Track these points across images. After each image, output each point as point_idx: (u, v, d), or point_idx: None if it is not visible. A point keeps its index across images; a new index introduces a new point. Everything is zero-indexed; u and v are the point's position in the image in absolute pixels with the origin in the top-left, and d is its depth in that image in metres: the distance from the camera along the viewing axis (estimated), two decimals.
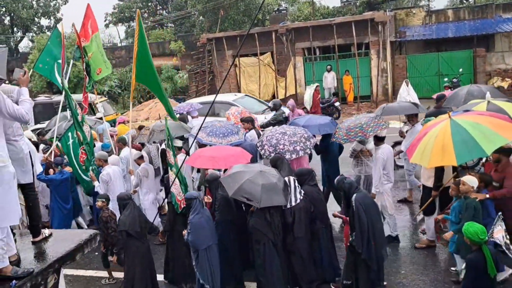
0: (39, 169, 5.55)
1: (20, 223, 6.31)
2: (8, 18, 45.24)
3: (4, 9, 43.86)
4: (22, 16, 43.65)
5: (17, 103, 4.80)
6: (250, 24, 33.06)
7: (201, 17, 38.14)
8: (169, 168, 8.43)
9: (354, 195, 6.92)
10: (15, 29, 46.03)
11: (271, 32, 25.77)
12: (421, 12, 27.62)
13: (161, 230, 9.46)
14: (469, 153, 6.54)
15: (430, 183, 8.21)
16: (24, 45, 50.95)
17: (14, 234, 5.01)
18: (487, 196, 6.97)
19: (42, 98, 23.01)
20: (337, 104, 21.35)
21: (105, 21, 52.43)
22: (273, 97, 26.50)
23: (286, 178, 7.51)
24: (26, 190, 5.30)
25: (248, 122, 11.02)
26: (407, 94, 15.91)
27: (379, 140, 8.73)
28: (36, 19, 46.49)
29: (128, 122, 13.16)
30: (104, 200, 8.36)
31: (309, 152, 9.03)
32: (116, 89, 34.55)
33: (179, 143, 10.09)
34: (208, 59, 28.64)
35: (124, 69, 35.72)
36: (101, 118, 14.55)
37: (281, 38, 25.41)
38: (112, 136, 12.66)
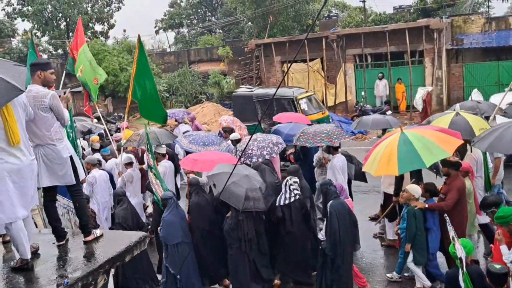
0: (82, 173, 5.49)
1: (73, 223, 6.33)
2: (64, 23, 46.61)
3: (60, 14, 45.21)
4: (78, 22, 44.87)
5: (50, 107, 5.11)
6: (304, 32, 32.81)
7: (249, 23, 38.22)
8: (148, 169, 8.85)
9: (331, 201, 7.36)
10: (70, 34, 47.33)
11: (321, 38, 25.39)
12: (480, 19, 26.61)
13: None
14: (410, 164, 7.03)
15: (390, 190, 8.60)
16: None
17: (64, 235, 5.32)
18: (426, 206, 7.45)
19: None
20: (389, 112, 20.72)
21: (155, 27, 53.49)
22: (322, 104, 26.12)
23: (285, 180, 7.99)
24: (71, 192, 5.52)
25: (227, 132, 11.74)
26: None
27: (334, 149, 9.31)
28: (90, 24, 47.73)
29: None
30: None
31: (274, 156, 9.59)
32: (164, 93, 34.94)
33: (163, 150, 10.39)
34: (255, 64, 28.54)
35: (172, 74, 36.11)
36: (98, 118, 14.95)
37: (332, 44, 25.00)
38: (117, 141, 12.89)
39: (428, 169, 8.46)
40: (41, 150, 5.19)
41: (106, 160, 11.32)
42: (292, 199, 7.85)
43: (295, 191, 7.91)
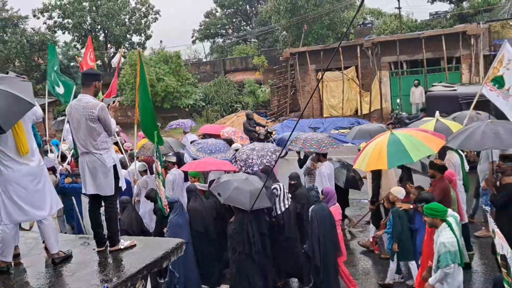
0: (123, 183, 5.70)
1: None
2: (102, 35, 47.78)
3: (99, 26, 46.37)
4: (115, 33, 45.94)
5: (99, 119, 5.30)
6: (338, 40, 32.72)
7: (284, 32, 38.35)
8: (156, 176, 8.96)
9: (313, 206, 7.71)
10: (108, 45, 48.47)
11: (356, 46, 25.32)
12: None
13: None
14: (398, 159, 7.66)
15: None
16: (116, 60, 53.54)
17: (105, 241, 5.46)
18: (411, 206, 7.77)
19: None
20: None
21: (192, 37, 54.19)
22: (356, 112, 26.00)
23: (276, 185, 8.23)
24: (105, 201, 5.61)
25: (228, 143, 11.81)
26: None
27: (323, 156, 9.77)
28: (128, 35, 48.76)
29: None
30: None
31: (274, 163, 9.67)
32: (200, 102, 35.35)
33: (173, 158, 10.57)
34: (290, 73, 28.61)
35: (208, 84, 36.49)
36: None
37: (367, 52, 24.89)
38: (126, 150, 13.10)
39: (418, 173, 9.26)
40: (87, 158, 5.37)
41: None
42: (288, 205, 8.15)
43: (288, 196, 8.27)
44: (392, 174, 9.20)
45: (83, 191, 5.64)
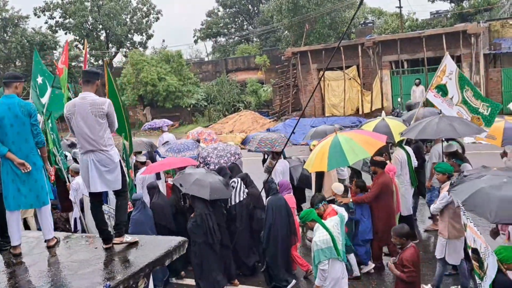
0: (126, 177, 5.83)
1: (112, 227, 6.60)
2: (104, 34, 47.83)
3: (101, 26, 46.42)
4: (117, 33, 46.02)
5: (107, 115, 5.44)
6: (339, 40, 32.75)
7: (286, 31, 38.37)
8: None
9: (270, 197, 8.30)
10: (110, 44, 48.52)
11: (357, 45, 25.38)
12: None
13: None
14: (336, 162, 8.11)
15: (328, 194, 9.23)
16: (118, 60, 53.65)
17: (111, 238, 5.54)
18: (350, 200, 8.36)
19: None
20: None
21: (193, 36, 54.21)
22: (357, 111, 26.02)
23: (235, 179, 8.86)
24: (118, 194, 5.73)
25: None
26: None
27: (277, 154, 10.32)
28: (129, 35, 48.81)
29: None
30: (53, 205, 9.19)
31: (230, 164, 10.20)
32: (202, 102, 35.40)
33: (142, 158, 10.98)
34: (292, 72, 28.66)
35: (210, 83, 36.53)
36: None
37: (368, 51, 24.94)
38: None
39: (361, 170, 10.02)
40: (93, 156, 5.41)
41: None
42: (242, 198, 8.70)
43: (244, 191, 8.79)
44: (334, 174, 9.78)
45: (87, 190, 5.65)
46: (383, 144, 8.58)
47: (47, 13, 45.92)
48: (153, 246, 5.42)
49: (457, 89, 9.92)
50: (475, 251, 5.05)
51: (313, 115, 26.64)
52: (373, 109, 25.12)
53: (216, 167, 9.94)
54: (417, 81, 23.46)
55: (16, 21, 42.92)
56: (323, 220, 6.60)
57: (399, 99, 24.03)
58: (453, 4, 34.71)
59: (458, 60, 23.12)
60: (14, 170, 5.35)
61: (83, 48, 46.99)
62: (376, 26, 34.00)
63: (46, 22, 46.22)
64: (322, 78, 26.18)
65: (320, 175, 9.47)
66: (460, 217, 6.53)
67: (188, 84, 35.81)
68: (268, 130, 24.32)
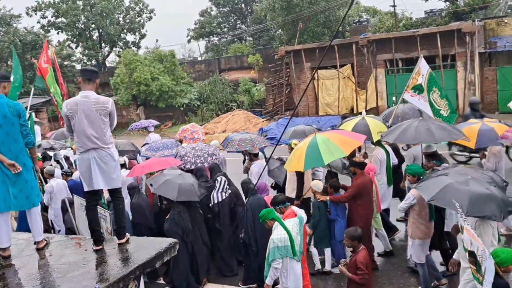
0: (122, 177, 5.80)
1: (105, 230, 6.49)
2: (96, 34, 47.64)
3: (93, 25, 46.23)
4: (110, 32, 45.85)
5: (110, 113, 5.50)
6: (331, 38, 32.66)
7: (279, 30, 38.29)
8: None
9: (249, 198, 8.40)
10: (103, 44, 48.33)
11: (352, 44, 25.26)
12: None
13: None
14: (313, 162, 8.22)
15: (293, 195, 9.46)
16: (111, 59, 53.46)
17: (103, 240, 5.53)
18: (328, 198, 8.49)
19: None
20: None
21: (187, 36, 54.12)
22: (352, 110, 25.94)
23: (218, 177, 9.05)
24: (115, 194, 5.81)
25: (179, 141, 12.72)
26: None
27: (254, 156, 10.65)
28: (122, 35, 48.65)
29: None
30: None
31: (206, 165, 10.36)
32: (195, 101, 35.27)
33: (122, 160, 10.97)
34: (285, 71, 28.54)
35: (203, 82, 36.42)
36: None
37: (362, 50, 24.84)
38: None
39: (341, 173, 10.10)
40: (95, 154, 5.40)
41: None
42: (225, 196, 8.91)
43: (227, 189, 9.01)
44: (310, 173, 9.93)
45: (88, 188, 5.57)
46: (360, 144, 8.92)
47: (39, 13, 45.70)
48: (144, 248, 5.36)
49: (426, 91, 10.62)
50: (472, 254, 4.99)
51: (306, 114, 26.54)
52: (368, 108, 24.99)
53: (192, 166, 10.14)
54: None
55: (8, 20, 42.61)
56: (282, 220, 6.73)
57: (393, 98, 23.95)
58: (447, 3, 34.65)
59: (452, 59, 23.08)
60: (4, 171, 5.30)
61: (78, 46, 46.96)
62: (371, 24, 33.95)
63: (38, 22, 46.04)
64: (316, 77, 26.07)
65: (300, 175, 9.58)
66: (424, 218, 7.39)
67: (181, 84, 35.68)
68: (261, 129, 24.28)
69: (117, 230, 5.65)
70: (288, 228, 6.41)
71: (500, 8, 33.11)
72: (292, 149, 10.07)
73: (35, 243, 5.67)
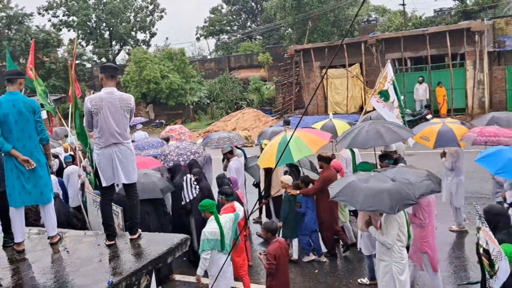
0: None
1: (117, 226, 6.61)
2: (107, 32, 47.90)
3: (104, 24, 46.49)
4: (120, 31, 46.08)
5: (131, 110, 5.63)
6: (342, 37, 32.66)
7: (289, 29, 38.32)
8: (85, 175, 9.98)
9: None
10: (113, 42, 48.60)
11: (360, 43, 25.23)
12: None
13: None
14: (283, 159, 8.46)
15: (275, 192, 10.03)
16: (121, 57, 53.71)
17: (115, 235, 5.57)
18: (298, 192, 9.00)
19: None
20: (429, 116, 20.46)
21: (196, 34, 54.22)
22: (361, 109, 25.96)
23: (184, 177, 9.28)
24: (130, 189, 5.77)
25: (165, 140, 13.00)
26: None
27: (230, 153, 11.00)
28: (132, 33, 48.86)
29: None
30: None
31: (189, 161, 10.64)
32: (205, 99, 35.41)
33: None
34: (295, 70, 28.59)
35: (213, 81, 36.53)
36: None
37: (371, 49, 24.84)
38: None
39: (313, 171, 10.60)
40: (116, 149, 5.49)
41: (66, 166, 11.89)
42: (195, 193, 9.17)
43: (195, 185, 9.28)
44: (281, 171, 10.36)
45: (107, 183, 5.60)
46: (326, 142, 9.42)
47: (50, 12, 45.99)
48: (155, 244, 5.41)
49: (395, 95, 10.95)
50: (486, 251, 5.05)
51: (316, 113, 26.58)
52: None
53: (175, 163, 10.41)
54: (420, 78, 23.44)
55: (20, 18, 42.96)
56: (219, 214, 7.09)
57: (402, 97, 23.88)
58: (457, 2, 34.56)
59: (462, 58, 23.04)
60: (19, 167, 5.38)
61: (89, 44, 47.24)
62: (380, 23, 33.91)
63: (49, 20, 46.40)
64: (325, 76, 26.09)
65: (268, 173, 10.06)
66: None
67: (191, 82, 35.82)
68: (270, 127, 24.35)
69: (129, 226, 5.68)
70: (221, 224, 6.81)
71: (509, 7, 32.96)
72: (262, 149, 10.59)
73: (48, 237, 5.72)
